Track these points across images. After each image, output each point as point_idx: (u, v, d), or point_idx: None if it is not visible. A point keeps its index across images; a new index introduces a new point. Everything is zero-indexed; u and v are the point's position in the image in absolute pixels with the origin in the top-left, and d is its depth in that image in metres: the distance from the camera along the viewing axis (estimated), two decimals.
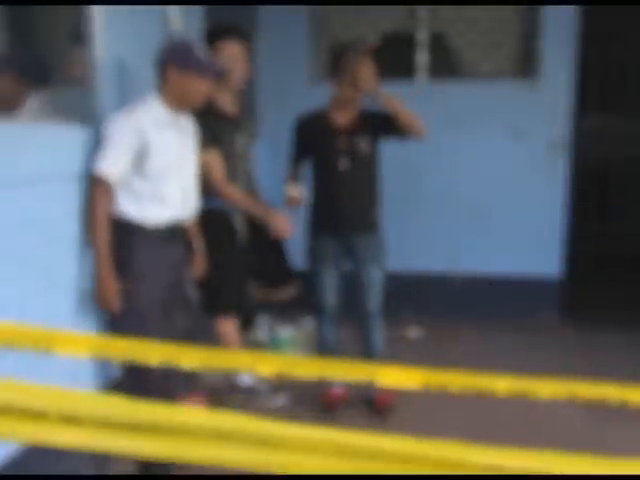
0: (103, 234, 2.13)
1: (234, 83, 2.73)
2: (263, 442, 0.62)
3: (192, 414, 0.66)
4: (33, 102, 2.36)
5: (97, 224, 2.13)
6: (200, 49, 2.29)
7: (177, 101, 2.26)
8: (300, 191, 2.89)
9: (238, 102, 2.83)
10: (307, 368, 0.75)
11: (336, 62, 2.86)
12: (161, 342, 0.95)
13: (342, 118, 2.89)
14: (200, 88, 2.25)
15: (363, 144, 2.87)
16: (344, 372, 0.76)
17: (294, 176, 2.98)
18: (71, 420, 0.61)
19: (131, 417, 0.63)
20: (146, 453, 0.66)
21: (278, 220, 2.67)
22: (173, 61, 2.22)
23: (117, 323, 2.22)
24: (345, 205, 2.88)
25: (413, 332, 4.17)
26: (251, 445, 0.62)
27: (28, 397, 0.63)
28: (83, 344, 0.76)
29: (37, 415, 0.62)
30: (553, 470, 0.69)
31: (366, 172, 2.93)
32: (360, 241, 2.93)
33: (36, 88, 2.40)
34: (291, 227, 2.70)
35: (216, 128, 2.68)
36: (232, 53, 2.68)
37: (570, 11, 4.07)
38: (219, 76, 2.37)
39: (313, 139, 2.92)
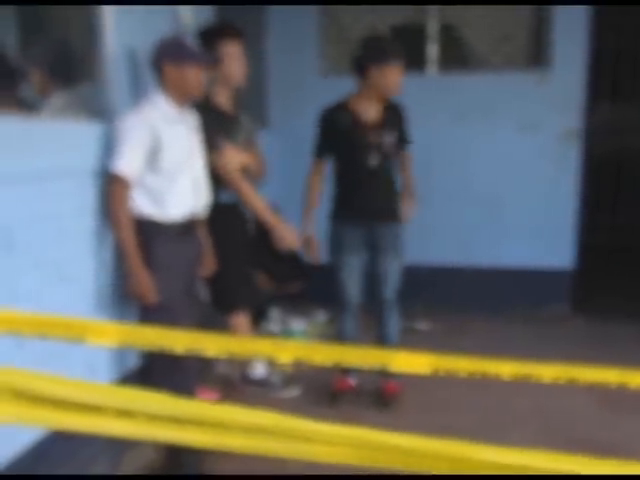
0: (128, 231, 2.17)
1: (234, 81, 2.76)
2: (295, 436, 0.68)
3: (235, 411, 0.72)
4: (58, 99, 2.40)
5: (120, 222, 2.17)
6: (190, 41, 2.34)
7: (179, 95, 2.30)
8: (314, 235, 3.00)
9: (235, 99, 2.86)
10: (325, 355, 0.78)
11: (362, 62, 2.91)
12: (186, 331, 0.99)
13: (369, 112, 2.95)
14: (197, 77, 2.30)
15: (388, 138, 2.97)
16: (359, 358, 0.79)
17: (310, 210, 3.05)
18: (125, 414, 0.67)
19: (180, 412, 0.69)
20: (192, 443, 0.73)
21: (284, 230, 2.70)
22: (167, 57, 2.27)
23: (145, 318, 2.27)
24: (373, 198, 2.98)
25: (423, 325, 4.19)
26: (285, 438, 0.68)
27: (85, 392, 0.70)
28: (113, 333, 0.80)
29: (96, 409, 0.69)
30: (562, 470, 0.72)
31: (390, 165, 3.03)
32: (384, 231, 3.02)
33: (63, 85, 2.45)
34: (295, 239, 2.75)
35: (220, 125, 2.72)
36: (230, 52, 2.71)
37: (581, 8, 4.06)
38: (213, 63, 2.44)
39: (340, 133, 2.96)
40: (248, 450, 0.70)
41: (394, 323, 3.12)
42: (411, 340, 3.80)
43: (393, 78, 2.88)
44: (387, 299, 3.06)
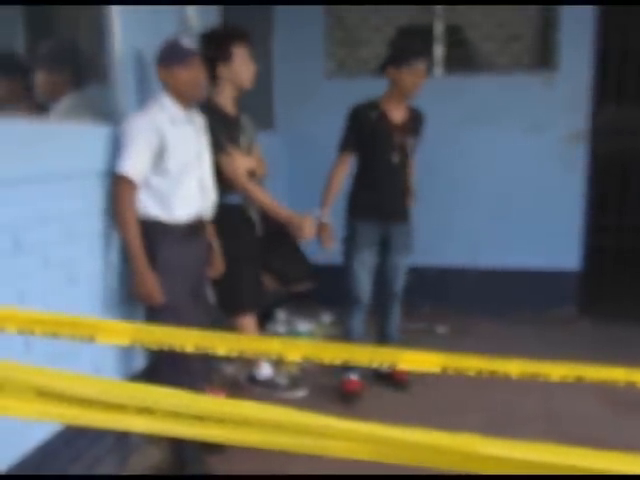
0: (134, 232, 2.18)
1: (241, 84, 2.78)
2: (311, 432, 0.70)
3: (251, 407, 0.74)
4: (66, 101, 2.41)
5: (127, 223, 2.17)
6: (187, 42, 2.32)
7: (179, 96, 2.31)
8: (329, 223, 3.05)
9: (237, 100, 2.88)
10: (334, 353, 0.79)
11: (386, 63, 2.99)
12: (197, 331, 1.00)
13: (396, 113, 3.07)
14: (188, 78, 2.28)
15: (410, 141, 3.12)
16: (368, 357, 0.79)
17: (329, 199, 3.09)
18: (145, 411, 0.70)
19: (196, 408, 0.71)
20: (210, 438, 0.77)
21: (301, 222, 2.70)
22: (159, 61, 2.30)
23: (152, 319, 2.27)
24: (391, 196, 3.10)
25: (442, 328, 4.17)
26: (299, 433, 0.70)
27: (109, 391, 0.73)
28: (124, 333, 0.80)
29: (117, 406, 0.71)
30: (566, 464, 0.73)
31: (408, 167, 3.17)
32: (398, 230, 3.14)
33: (71, 87, 2.46)
34: (313, 230, 2.77)
35: (226, 128, 2.74)
36: (241, 57, 2.73)
37: (587, 8, 4.06)
38: (217, 56, 2.43)
39: (367, 129, 3.04)
40: (266, 445, 0.72)
41: (397, 316, 3.27)
42: (419, 341, 3.81)
43: (411, 79, 2.95)
44: (395, 293, 3.20)
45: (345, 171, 3.13)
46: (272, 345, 0.83)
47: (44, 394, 0.75)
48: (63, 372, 0.79)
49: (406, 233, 3.18)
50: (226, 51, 2.70)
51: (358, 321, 3.15)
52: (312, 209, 2.92)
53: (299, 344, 0.85)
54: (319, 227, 2.97)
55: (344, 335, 3.23)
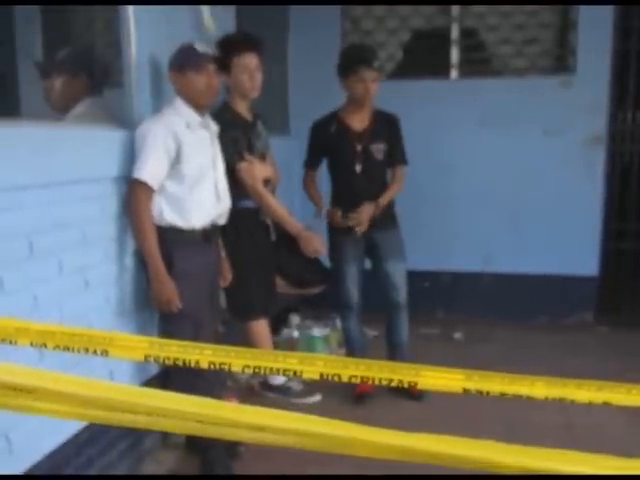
0: (152, 238, 2.17)
1: (249, 94, 2.77)
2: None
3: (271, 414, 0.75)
4: (82, 106, 2.42)
5: (144, 229, 2.16)
6: (201, 48, 2.31)
7: (192, 101, 2.30)
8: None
9: (252, 106, 2.88)
10: (353, 369, 0.77)
11: (344, 71, 3.00)
12: (211, 343, 1.00)
13: (358, 122, 3.06)
14: (201, 83, 2.28)
15: (376, 146, 3.05)
16: (389, 372, 0.78)
17: (317, 202, 3.16)
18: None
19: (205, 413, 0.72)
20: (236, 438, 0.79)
21: (310, 238, 2.72)
22: (171, 66, 2.31)
23: (168, 326, 2.27)
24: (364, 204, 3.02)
25: (459, 334, 4.13)
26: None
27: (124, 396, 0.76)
28: (138, 348, 0.79)
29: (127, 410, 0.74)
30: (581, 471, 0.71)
31: (380, 173, 3.11)
32: (382, 236, 3.09)
33: (91, 92, 2.47)
34: (323, 246, 2.78)
35: (245, 134, 2.74)
36: (251, 64, 2.72)
37: (606, 11, 4.00)
38: (223, 70, 2.41)
39: (328, 142, 3.07)
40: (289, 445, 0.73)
41: (406, 327, 3.19)
42: (433, 348, 3.77)
43: (361, 86, 2.94)
44: (398, 304, 3.13)
45: (313, 182, 3.20)
46: (288, 360, 0.81)
47: (71, 399, 0.78)
48: (85, 379, 0.81)
49: (393, 238, 3.13)
50: (225, 61, 2.66)
51: (353, 323, 3.21)
52: (307, 225, 2.90)
53: (316, 358, 0.83)
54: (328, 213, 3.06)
55: (344, 337, 3.32)
